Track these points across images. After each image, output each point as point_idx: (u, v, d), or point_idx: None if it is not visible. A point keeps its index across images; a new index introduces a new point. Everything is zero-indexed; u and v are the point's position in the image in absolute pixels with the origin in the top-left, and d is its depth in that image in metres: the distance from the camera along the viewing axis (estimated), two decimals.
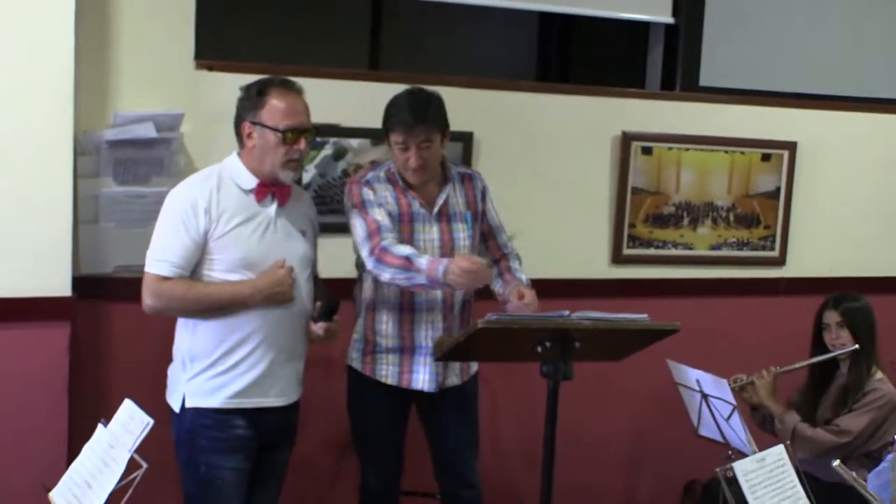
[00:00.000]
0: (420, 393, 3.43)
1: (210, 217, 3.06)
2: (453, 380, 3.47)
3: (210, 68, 3.77)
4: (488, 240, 3.57)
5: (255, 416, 3.14)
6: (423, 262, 3.19)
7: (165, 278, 3.06)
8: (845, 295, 3.93)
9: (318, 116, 3.75)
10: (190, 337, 3.13)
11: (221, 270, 3.09)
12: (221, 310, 3.08)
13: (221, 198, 3.09)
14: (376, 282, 3.37)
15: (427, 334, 3.39)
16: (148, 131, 3.63)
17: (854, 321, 3.85)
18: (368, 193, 3.37)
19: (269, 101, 3.08)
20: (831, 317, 3.88)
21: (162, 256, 3.07)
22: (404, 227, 3.37)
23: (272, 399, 3.17)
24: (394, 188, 3.39)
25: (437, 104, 3.36)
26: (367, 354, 3.45)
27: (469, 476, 3.57)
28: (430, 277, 3.16)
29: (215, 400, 3.11)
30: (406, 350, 3.40)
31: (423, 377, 3.41)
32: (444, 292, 3.36)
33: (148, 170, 3.67)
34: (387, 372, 3.43)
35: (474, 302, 3.53)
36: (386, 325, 3.40)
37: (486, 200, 3.54)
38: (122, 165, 3.65)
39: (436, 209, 3.40)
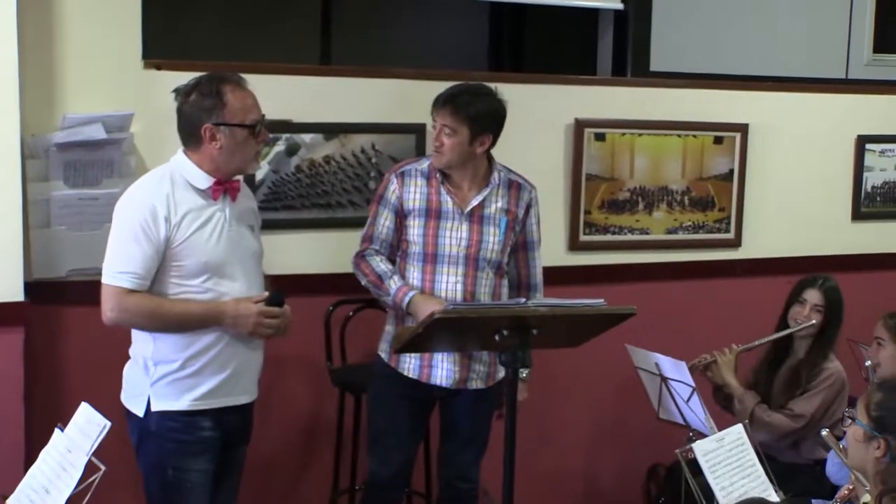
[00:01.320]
0: (443, 390, 3.47)
1: (170, 224, 3.02)
2: (476, 383, 3.50)
3: (158, 67, 3.75)
4: (518, 252, 3.57)
5: (219, 416, 3.13)
6: (392, 286, 3.38)
7: (130, 291, 3.02)
8: (827, 277, 3.95)
9: (269, 113, 3.72)
10: (153, 340, 3.10)
11: (183, 277, 3.07)
12: (185, 329, 3.07)
13: (178, 202, 3.05)
14: (402, 273, 3.45)
15: None
16: (97, 133, 3.60)
17: (832, 306, 3.89)
18: (392, 190, 3.44)
19: (227, 100, 3.06)
20: (814, 296, 3.91)
21: (124, 268, 3.01)
22: (430, 222, 3.42)
23: (237, 397, 3.17)
24: (428, 182, 3.43)
25: (479, 100, 3.39)
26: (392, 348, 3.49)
27: (469, 470, 3.61)
28: (395, 303, 3.35)
29: (182, 402, 3.09)
30: None
31: (441, 373, 3.44)
32: (464, 289, 3.41)
33: (98, 172, 3.65)
34: (409, 365, 3.46)
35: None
36: (408, 317, 3.42)
37: (530, 214, 3.56)
38: (72, 168, 3.62)
39: (468, 208, 3.43)
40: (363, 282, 3.44)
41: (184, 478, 3.10)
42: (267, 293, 3.14)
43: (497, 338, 2.94)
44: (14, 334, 3.47)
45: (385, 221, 3.47)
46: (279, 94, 3.87)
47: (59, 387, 3.68)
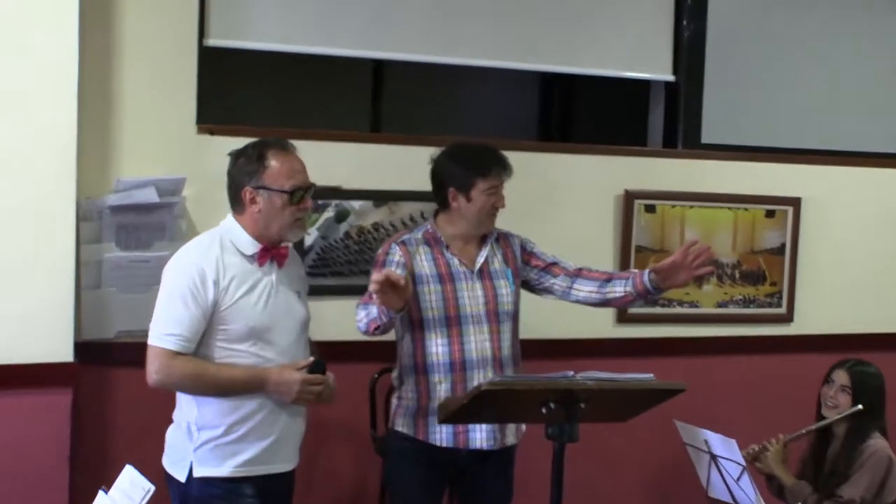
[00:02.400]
0: (465, 453, 3.44)
1: (218, 288, 3.05)
2: (510, 438, 3.50)
3: (212, 132, 3.82)
4: (553, 268, 3.60)
5: (262, 483, 3.13)
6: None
7: (176, 354, 3.04)
8: (859, 360, 3.90)
9: (319, 179, 3.76)
10: (197, 405, 3.11)
11: (229, 340, 3.09)
12: (228, 393, 3.09)
13: (226, 266, 3.08)
14: (419, 342, 3.43)
15: None
16: (150, 196, 3.67)
17: (858, 387, 3.82)
18: (395, 254, 3.43)
19: (269, 164, 3.10)
20: (841, 376, 3.85)
21: (171, 330, 3.03)
22: (446, 286, 3.42)
23: (279, 465, 3.17)
24: (432, 249, 3.46)
25: None
26: (420, 418, 3.45)
27: None
28: (382, 309, 3.22)
29: (225, 469, 3.09)
30: None
31: (480, 435, 3.43)
32: (492, 346, 3.43)
33: (150, 234, 3.71)
34: (441, 434, 3.44)
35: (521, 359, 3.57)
36: (439, 386, 3.41)
37: (528, 249, 3.60)
38: (125, 230, 3.68)
39: (477, 267, 3.47)
40: (359, 315, 3.34)
41: None
42: (311, 359, 3.16)
43: (544, 410, 2.91)
44: (62, 395, 3.51)
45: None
46: (329, 161, 3.93)
47: (105, 448, 3.71)
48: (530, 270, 3.60)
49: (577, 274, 3.59)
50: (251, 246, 3.12)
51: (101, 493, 2.86)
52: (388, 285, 3.08)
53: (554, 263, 3.61)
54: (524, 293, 3.61)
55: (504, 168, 3.46)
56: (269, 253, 3.15)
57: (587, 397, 2.93)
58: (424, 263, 3.43)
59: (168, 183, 3.72)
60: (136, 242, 3.70)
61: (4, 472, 3.45)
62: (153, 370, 3.07)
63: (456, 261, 3.45)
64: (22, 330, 3.45)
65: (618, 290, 3.52)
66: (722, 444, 3.64)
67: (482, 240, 3.51)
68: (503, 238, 3.59)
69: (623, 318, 4.43)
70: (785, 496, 3.86)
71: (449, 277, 3.44)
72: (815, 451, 3.91)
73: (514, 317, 3.52)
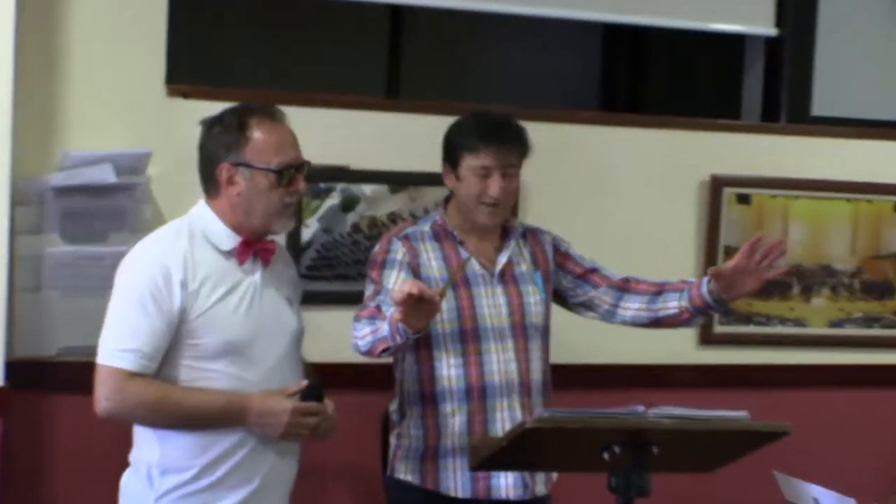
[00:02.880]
0: (504, 503, 3.44)
1: (186, 291, 3.03)
2: (541, 488, 3.50)
3: (185, 95, 3.82)
4: (592, 277, 3.59)
5: None
6: (384, 308, 3.28)
7: (132, 374, 3.01)
8: None
9: (320, 156, 3.76)
10: (159, 442, 3.09)
11: (200, 358, 3.07)
12: (199, 425, 3.07)
13: (197, 264, 3.07)
14: (426, 364, 3.41)
15: (505, 425, 3.38)
16: (105, 175, 3.67)
17: None
18: (397, 252, 3.41)
19: (253, 135, 3.07)
20: None
21: (126, 345, 3.01)
22: (461, 292, 3.41)
23: None
24: (441, 245, 3.44)
25: (522, 129, 3.45)
26: (428, 462, 3.45)
27: None
28: (391, 328, 3.16)
29: None
30: None
31: (505, 482, 3.42)
32: (519, 367, 3.41)
33: (105, 224, 3.71)
34: (456, 482, 3.43)
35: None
36: (452, 419, 3.41)
37: (562, 250, 3.60)
38: (72, 218, 3.68)
39: (498, 268, 3.46)
40: (357, 334, 3.31)
41: None
42: (304, 383, 3.13)
43: (606, 456, 2.87)
44: None
45: (397, 278, 3.36)
46: (334, 134, 3.96)
47: (40, 495, 3.71)
48: (564, 276, 3.59)
49: (625, 287, 3.57)
50: (229, 239, 3.11)
51: None
52: (417, 300, 3.04)
53: (594, 270, 3.60)
54: (556, 309, 3.60)
55: (502, 146, 3.37)
56: (252, 248, 3.13)
57: (662, 440, 2.89)
58: (433, 263, 3.42)
59: (128, 158, 3.72)
60: (87, 234, 3.69)
61: None
62: (103, 395, 3.03)
63: (473, 261, 3.44)
64: None
65: (671, 305, 3.50)
66: None
67: (504, 235, 3.50)
68: (531, 234, 3.59)
69: (707, 338, 4.43)
70: None
71: (463, 281, 3.42)
72: None
73: (545, 332, 3.53)
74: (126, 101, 3.77)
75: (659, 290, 3.54)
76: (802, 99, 4.68)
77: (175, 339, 3.05)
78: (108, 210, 3.71)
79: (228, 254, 3.11)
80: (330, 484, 4.02)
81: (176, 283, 3.02)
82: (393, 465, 3.52)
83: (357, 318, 3.35)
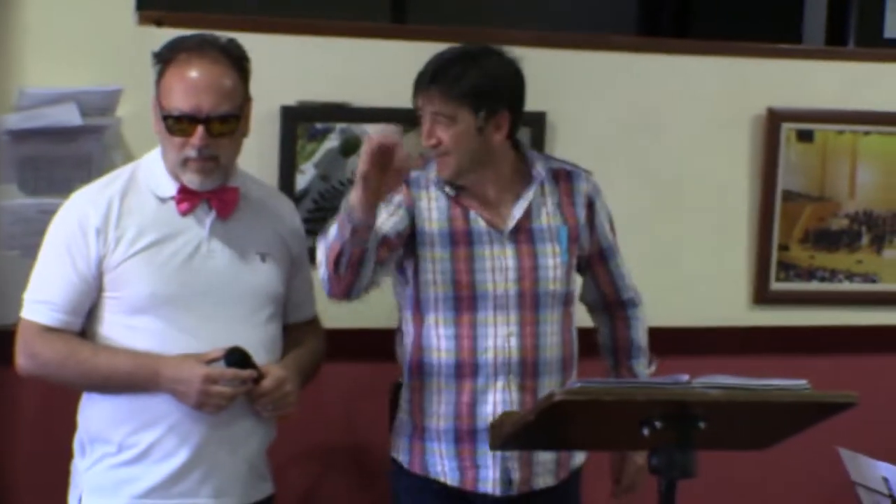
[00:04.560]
0: (490, 497, 3.47)
1: (105, 238, 3.16)
2: (545, 479, 3.51)
3: (159, 23, 3.82)
4: (594, 267, 3.62)
5: None
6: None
7: (46, 329, 3.16)
8: None
9: (318, 93, 3.79)
10: (87, 408, 3.25)
11: (124, 312, 3.18)
12: (112, 388, 3.16)
13: (125, 210, 3.19)
14: (419, 332, 3.44)
15: (497, 408, 3.40)
16: (69, 116, 3.69)
17: None
18: (398, 196, 3.39)
19: (166, 73, 3.18)
20: None
21: (39, 297, 3.20)
22: (459, 250, 3.41)
23: (204, 500, 3.23)
24: (446, 195, 3.44)
25: (475, 67, 3.37)
26: (415, 442, 3.50)
27: None
28: (339, 216, 3.16)
29: (119, 499, 3.20)
30: (465, 435, 3.44)
31: (492, 474, 3.45)
32: (521, 343, 3.41)
33: (69, 172, 3.72)
34: (442, 467, 3.47)
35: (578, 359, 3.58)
36: (437, 397, 3.44)
37: (596, 210, 3.58)
38: (32, 166, 3.72)
39: (510, 225, 3.45)
40: (321, 269, 3.28)
41: None
42: (225, 348, 3.15)
43: (646, 432, 2.90)
44: None
45: (386, 219, 3.34)
46: (330, 66, 3.98)
47: (3, 475, 3.77)
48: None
49: (601, 296, 3.65)
50: (168, 186, 3.22)
51: None
52: (381, 158, 3.03)
53: (603, 259, 3.62)
54: None
55: (423, 90, 3.37)
56: (197, 196, 3.21)
57: (709, 413, 2.92)
58: (432, 215, 3.42)
59: (96, 97, 3.74)
60: (49, 184, 3.72)
61: None
62: (19, 350, 3.20)
63: (480, 217, 3.43)
64: None
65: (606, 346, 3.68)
66: None
67: (524, 182, 3.48)
68: (564, 179, 3.56)
69: (762, 297, 4.46)
70: None
71: (466, 238, 3.42)
72: None
73: (567, 301, 3.52)
74: (92, 31, 3.78)
75: (620, 350, 3.65)
76: (873, 19, 4.71)
77: (99, 290, 3.17)
78: (72, 156, 3.73)
79: (166, 201, 3.21)
80: (336, 465, 4.07)
81: (91, 231, 3.15)
82: (391, 443, 3.57)
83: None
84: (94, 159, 3.74)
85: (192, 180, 3.18)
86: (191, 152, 3.13)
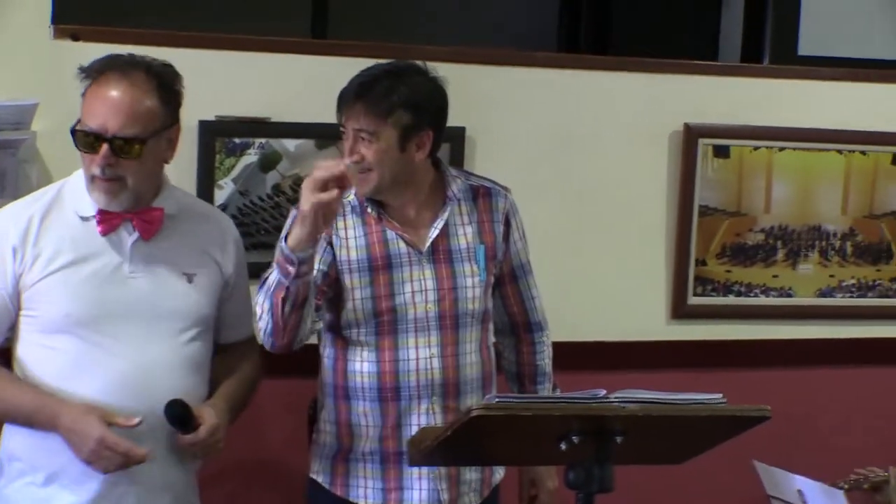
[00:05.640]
0: None
1: (21, 256, 3.18)
2: (470, 498, 3.53)
3: (75, 37, 3.81)
4: (504, 287, 3.62)
5: None
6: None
7: None
8: None
9: (238, 107, 3.78)
10: (8, 429, 3.26)
11: (40, 332, 3.19)
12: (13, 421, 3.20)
13: (44, 228, 3.20)
14: (342, 355, 3.44)
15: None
16: None
17: None
18: None
19: (89, 90, 3.19)
20: None
21: None
22: (378, 276, 3.42)
23: None
24: (363, 219, 3.44)
25: (401, 84, 3.37)
26: (338, 464, 3.50)
27: None
28: (278, 260, 3.17)
29: None
30: (391, 456, 3.45)
31: (419, 495, 3.46)
32: (443, 364, 3.42)
33: None
34: (365, 490, 3.48)
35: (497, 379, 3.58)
36: (363, 418, 3.44)
37: (512, 228, 3.59)
38: None
39: (427, 245, 3.45)
40: (264, 325, 3.29)
41: None
42: (136, 420, 3.12)
43: (563, 446, 2.90)
44: None
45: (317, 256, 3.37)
46: (251, 80, 3.97)
47: None
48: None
49: (508, 316, 3.66)
50: (89, 205, 3.22)
51: None
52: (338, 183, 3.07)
53: (513, 278, 3.62)
54: None
55: (347, 107, 3.37)
56: (117, 217, 3.21)
57: (626, 428, 2.93)
58: (350, 244, 3.42)
59: (10, 111, 3.72)
60: None
61: None
62: None
63: (399, 238, 3.43)
64: None
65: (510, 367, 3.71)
66: (822, 496, 3.66)
67: (441, 200, 3.48)
68: (483, 196, 3.56)
69: (679, 311, 4.48)
70: None
71: (385, 262, 3.42)
72: None
73: (484, 318, 3.54)
74: (6, 45, 3.76)
75: (526, 375, 3.67)
76: (788, 36, 4.76)
77: (17, 308, 3.20)
78: None
79: (87, 220, 3.21)
80: (257, 482, 4.05)
81: (8, 249, 3.18)
82: (310, 463, 3.56)
83: (258, 291, 3.32)
84: (9, 174, 3.71)
85: (98, 199, 3.19)
86: (95, 170, 3.13)
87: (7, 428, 3.24)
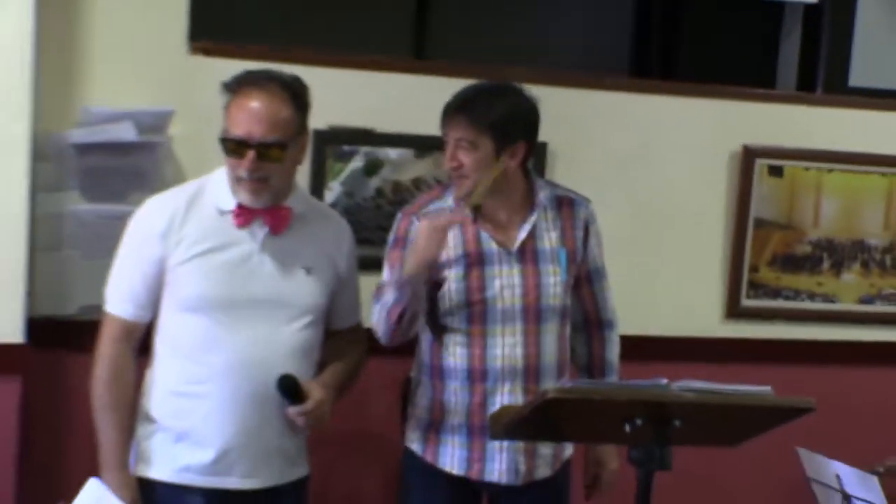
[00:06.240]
0: (495, 485, 3.50)
1: (167, 242, 3.21)
2: (544, 470, 3.53)
3: (207, 53, 3.85)
4: (581, 288, 3.61)
5: (216, 498, 3.26)
6: (385, 302, 3.36)
7: (120, 321, 3.25)
8: None
9: (346, 118, 3.79)
10: (148, 390, 3.31)
11: (178, 309, 3.24)
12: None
13: (188, 219, 3.23)
14: (437, 340, 3.47)
15: None
16: (126, 133, 3.70)
17: None
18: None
19: (232, 102, 3.21)
20: None
21: (119, 295, 3.28)
22: (472, 271, 3.43)
23: (237, 480, 3.27)
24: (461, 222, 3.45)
25: (500, 101, 3.40)
26: (430, 435, 3.52)
27: None
28: (396, 281, 3.31)
29: (164, 471, 3.26)
30: (476, 430, 3.46)
31: (498, 466, 3.47)
32: (526, 352, 3.43)
33: (125, 183, 3.74)
34: (452, 459, 3.49)
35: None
36: (454, 395, 3.47)
37: (590, 235, 3.58)
38: (93, 176, 3.72)
39: (516, 245, 3.46)
40: (374, 317, 3.41)
41: None
42: (280, 375, 3.20)
43: (628, 428, 2.93)
44: (9, 384, 3.58)
45: None
46: (357, 95, 3.99)
47: (62, 450, 3.77)
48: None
49: (584, 313, 3.65)
50: (229, 200, 3.24)
51: None
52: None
53: (589, 280, 3.62)
54: None
55: (448, 118, 3.40)
56: (252, 213, 3.24)
57: (684, 413, 2.95)
58: (450, 240, 3.41)
59: (150, 116, 3.74)
60: (107, 192, 3.72)
61: None
62: (100, 339, 3.28)
63: (490, 238, 3.45)
64: None
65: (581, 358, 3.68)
66: (859, 481, 3.65)
67: (529, 207, 3.50)
68: (566, 206, 3.56)
69: (733, 312, 4.46)
70: None
71: (479, 259, 3.44)
72: None
73: (564, 313, 3.53)
74: (148, 57, 3.79)
75: (595, 367, 3.66)
76: (840, 69, 4.68)
77: (162, 286, 3.24)
78: (128, 169, 3.73)
79: (226, 214, 3.24)
80: (353, 452, 4.07)
81: (156, 236, 3.21)
82: (406, 433, 3.58)
83: (375, 301, 3.41)
84: (148, 172, 3.74)
85: (244, 198, 3.21)
86: (242, 173, 3.16)
87: (147, 389, 3.28)
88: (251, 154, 3.15)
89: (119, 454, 3.24)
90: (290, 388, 3.20)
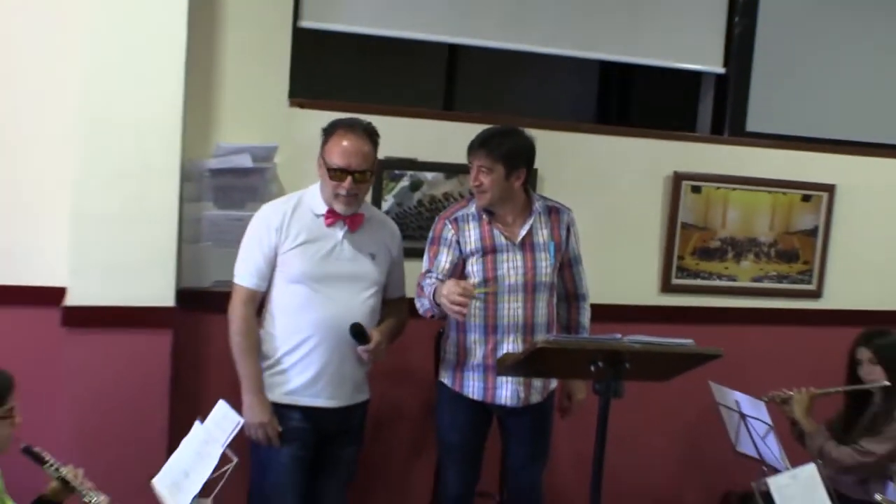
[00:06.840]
0: (502, 407, 3.48)
1: (280, 234, 3.23)
2: (535, 397, 3.52)
3: (301, 106, 3.85)
4: (564, 270, 3.59)
5: (310, 413, 3.26)
6: (426, 286, 3.35)
7: (247, 290, 3.24)
8: (875, 331, 3.81)
9: (397, 151, 3.78)
10: (265, 334, 3.31)
11: (286, 281, 3.25)
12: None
13: (294, 219, 3.25)
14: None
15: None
16: (245, 161, 3.71)
17: (886, 356, 3.74)
18: (448, 232, 3.44)
19: (331, 140, 3.21)
20: (863, 353, 3.78)
21: (241, 269, 3.28)
22: (488, 257, 3.42)
23: (324, 400, 3.28)
24: (479, 223, 3.45)
25: (509, 139, 3.40)
26: (457, 371, 3.50)
27: (535, 483, 3.62)
28: (429, 298, 3.31)
29: (275, 394, 3.27)
30: (490, 368, 3.44)
31: (505, 393, 3.46)
32: (524, 313, 3.41)
33: (244, 196, 3.75)
34: (473, 388, 3.47)
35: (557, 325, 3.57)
36: (474, 345, 3.45)
37: (571, 233, 3.56)
38: (222, 191, 3.73)
39: (519, 239, 3.45)
40: (417, 304, 3.42)
41: (273, 458, 3.24)
42: (353, 323, 3.21)
43: (592, 368, 2.95)
44: (164, 335, 3.59)
45: (447, 257, 3.44)
46: (407, 135, 3.97)
47: (201, 384, 3.77)
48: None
49: (566, 289, 3.61)
50: (321, 207, 3.26)
51: (197, 423, 2.96)
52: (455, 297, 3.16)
53: (569, 264, 3.58)
54: None
55: (473, 150, 3.39)
56: (337, 216, 3.25)
57: (632, 358, 2.96)
58: (471, 238, 3.42)
59: (262, 150, 3.75)
60: (232, 202, 3.74)
61: (114, 401, 3.54)
62: (234, 304, 3.28)
63: (500, 234, 3.43)
64: (131, 276, 3.53)
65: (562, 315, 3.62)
66: (750, 405, 3.66)
67: (528, 211, 3.48)
68: (554, 212, 3.55)
69: (666, 287, 4.43)
70: (804, 441, 3.83)
71: (492, 249, 3.42)
72: (851, 410, 3.85)
73: (551, 287, 3.51)
74: (261, 108, 3.79)
75: (572, 327, 3.62)
76: (740, 119, 4.62)
77: (274, 266, 3.23)
78: (246, 186, 3.73)
79: (319, 216, 3.26)
80: (400, 383, 4.04)
81: (272, 229, 3.23)
82: (439, 371, 3.58)
83: (419, 287, 3.41)
84: (259, 189, 3.74)
85: (340, 208, 3.24)
86: (342, 192, 3.19)
87: (265, 336, 3.28)
88: (349, 179, 3.16)
89: (256, 382, 3.24)
90: (358, 332, 3.22)
